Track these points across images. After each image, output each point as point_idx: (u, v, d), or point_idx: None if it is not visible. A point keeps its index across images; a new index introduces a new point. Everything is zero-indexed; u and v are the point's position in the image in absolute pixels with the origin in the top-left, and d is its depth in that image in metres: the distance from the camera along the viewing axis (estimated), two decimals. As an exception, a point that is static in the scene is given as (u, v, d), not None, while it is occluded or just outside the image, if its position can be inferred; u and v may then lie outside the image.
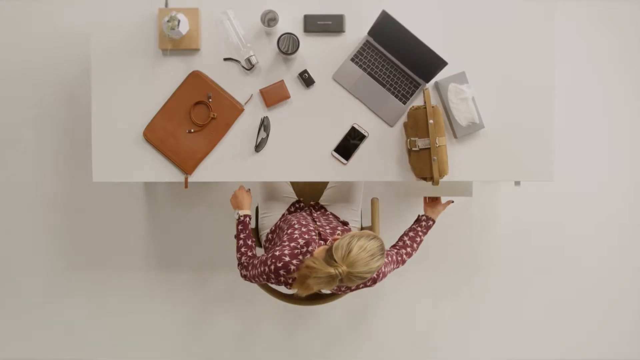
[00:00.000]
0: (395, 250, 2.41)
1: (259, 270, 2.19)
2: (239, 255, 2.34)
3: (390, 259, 2.31)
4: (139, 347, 3.37)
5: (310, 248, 2.16)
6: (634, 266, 3.39)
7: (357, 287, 2.25)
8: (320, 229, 2.31)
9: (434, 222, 2.50)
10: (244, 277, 2.30)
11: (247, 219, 2.41)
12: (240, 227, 2.40)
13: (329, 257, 1.94)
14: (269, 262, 2.15)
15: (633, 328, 3.41)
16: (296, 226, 2.29)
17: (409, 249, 2.43)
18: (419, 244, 2.46)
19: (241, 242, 2.36)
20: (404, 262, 2.40)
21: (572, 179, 3.38)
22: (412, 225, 2.50)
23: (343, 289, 2.23)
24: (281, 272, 2.12)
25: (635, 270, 3.39)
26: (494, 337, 3.40)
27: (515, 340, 3.40)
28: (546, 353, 3.40)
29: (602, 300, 3.40)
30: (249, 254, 2.34)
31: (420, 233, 2.47)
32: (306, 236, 2.22)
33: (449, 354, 3.37)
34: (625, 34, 3.37)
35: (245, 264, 2.30)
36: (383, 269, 2.24)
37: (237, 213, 2.43)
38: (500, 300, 3.39)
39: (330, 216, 2.58)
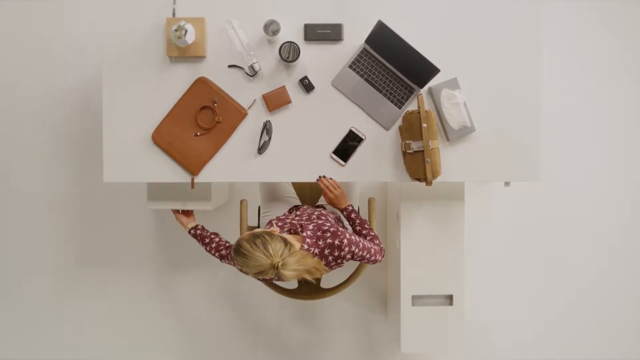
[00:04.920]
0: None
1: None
2: (212, 255, 2.57)
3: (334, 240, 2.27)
4: (142, 344, 3.39)
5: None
6: (633, 266, 3.39)
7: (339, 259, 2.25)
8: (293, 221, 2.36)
9: (349, 208, 2.47)
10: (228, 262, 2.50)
11: (194, 230, 2.57)
12: (194, 239, 2.63)
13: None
14: None
15: (633, 328, 3.40)
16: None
17: (363, 229, 2.44)
18: (361, 224, 2.45)
19: (204, 247, 2.55)
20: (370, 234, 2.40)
21: (572, 179, 3.37)
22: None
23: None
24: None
25: (634, 270, 3.39)
26: (493, 337, 3.41)
27: (513, 340, 3.40)
28: (545, 353, 3.41)
29: (600, 300, 3.40)
30: (213, 245, 2.51)
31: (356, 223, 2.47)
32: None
33: (446, 353, 3.41)
34: (625, 34, 3.35)
35: (225, 254, 2.47)
36: (351, 247, 2.24)
37: (186, 230, 2.63)
38: (500, 301, 3.41)
39: (324, 212, 2.61)
